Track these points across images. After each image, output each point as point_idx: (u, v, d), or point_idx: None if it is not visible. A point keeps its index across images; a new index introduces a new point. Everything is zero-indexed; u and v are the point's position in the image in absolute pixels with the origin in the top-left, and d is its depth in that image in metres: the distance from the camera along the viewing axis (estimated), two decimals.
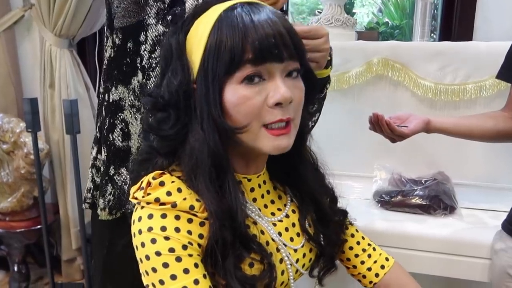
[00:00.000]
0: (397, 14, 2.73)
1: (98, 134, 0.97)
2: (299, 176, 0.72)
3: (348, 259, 0.81)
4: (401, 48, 1.32)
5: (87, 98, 2.04)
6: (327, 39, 0.79)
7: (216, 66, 0.57)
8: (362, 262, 0.80)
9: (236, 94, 0.58)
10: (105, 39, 0.92)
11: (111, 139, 0.92)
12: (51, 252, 1.98)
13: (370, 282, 0.79)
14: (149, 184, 0.60)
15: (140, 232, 0.58)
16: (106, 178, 0.93)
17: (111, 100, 0.92)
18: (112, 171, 0.92)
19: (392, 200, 1.27)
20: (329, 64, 0.86)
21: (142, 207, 0.60)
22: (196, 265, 0.57)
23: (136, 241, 0.59)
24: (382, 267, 0.79)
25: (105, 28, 0.92)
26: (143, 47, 0.87)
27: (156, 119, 0.62)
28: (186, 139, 0.61)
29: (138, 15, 0.85)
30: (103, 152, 0.94)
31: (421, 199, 1.24)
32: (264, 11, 0.59)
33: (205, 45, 0.58)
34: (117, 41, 0.88)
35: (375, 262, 0.80)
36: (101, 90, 0.96)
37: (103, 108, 0.94)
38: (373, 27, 2.21)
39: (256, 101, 0.58)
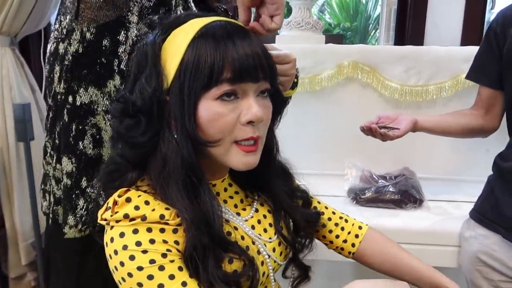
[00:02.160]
0: (342, 15, 2.85)
1: (57, 141, 0.88)
2: (269, 189, 0.75)
3: (324, 236, 0.86)
4: (370, 52, 1.40)
5: (33, 101, 1.88)
6: (294, 64, 0.81)
7: (193, 81, 0.58)
8: (337, 236, 0.85)
9: (211, 110, 0.59)
10: (65, 29, 0.82)
11: (81, 147, 0.84)
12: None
13: (349, 252, 0.85)
14: (115, 203, 0.60)
15: (116, 252, 0.58)
16: (76, 191, 0.85)
17: (78, 103, 0.83)
18: (84, 183, 0.85)
19: (366, 196, 1.34)
20: (294, 85, 0.87)
21: (112, 227, 0.59)
22: (180, 268, 0.58)
23: (113, 263, 0.58)
24: (357, 236, 0.85)
25: (69, 17, 0.81)
26: (122, 48, 0.81)
27: (126, 125, 0.62)
28: (156, 147, 0.62)
29: (120, 9, 0.79)
30: (68, 163, 0.84)
31: (393, 195, 1.32)
32: (243, 32, 0.62)
33: (182, 57, 0.59)
34: (88, 35, 0.80)
35: (349, 233, 0.85)
36: (59, 89, 0.85)
37: (65, 112, 0.84)
38: (328, 29, 2.30)
39: (229, 118, 0.60)
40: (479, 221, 1.11)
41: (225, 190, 0.72)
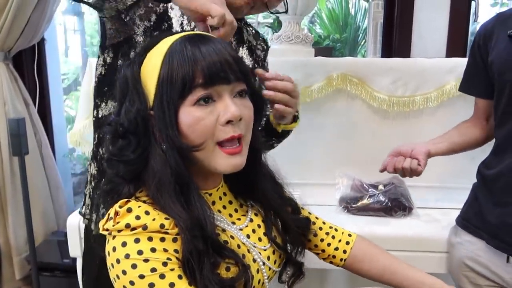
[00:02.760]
0: (332, 27, 2.91)
1: (94, 148, 1.00)
2: (259, 192, 0.78)
3: (316, 246, 0.89)
4: (358, 64, 1.44)
5: (27, 116, 1.89)
6: (297, 94, 0.91)
7: (170, 92, 0.63)
8: (329, 244, 0.88)
9: (190, 116, 0.63)
10: (97, 58, 0.96)
11: (101, 153, 0.95)
12: None
13: (341, 259, 0.88)
14: (116, 213, 0.62)
15: (118, 261, 0.60)
16: (98, 192, 0.95)
17: (100, 116, 0.95)
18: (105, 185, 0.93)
19: (357, 205, 1.37)
20: (296, 118, 0.96)
21: (114, 237, 0.62)
22: (180, 277, 0.60)
23: (115, 272, 0.60)
24: (347, 243, 0.88)
25: (98, 48, 0.96)
26: None
27: (118, 146, 0.66)
28: (148, 162, 0.65)
29: (127, 33, 0.89)
30: (93, 167, 0.98)
31: (383, 203, 1.35)
32: (210, 42, 0.65)
33: (158, 74, 0.64)
34: (108, 59, 0.93)
35: (339, 241, 0.88)
36: (92, 107, 0.99)
37: (93, 124, 0.99)
38: (318, 41, 2.35)
39: (208, 120, 0.64)
40: (464, 228, 1.14)
41: (220, 199, 0.75)
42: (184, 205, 0.63)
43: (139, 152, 0.65)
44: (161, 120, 0.63)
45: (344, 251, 0.88)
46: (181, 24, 0.92)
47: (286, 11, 1.02)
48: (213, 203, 0.73)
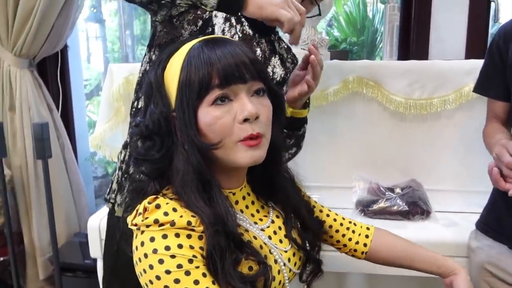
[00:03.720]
0: (349, 30, 2.90)
1: (127, 139, 1.05)
2: (280, 190, 0.80)
3: (338, 241, 0.93)
4: (374, 67, 1.43)
5: (50, 121, 1.96)
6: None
7: (189, 94, 0.66)
8: (350, 239, 0.93)
9: (208, 115, 0.66)
10: (144, 55, 1.04)
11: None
12: (18, 285, 1.87)
13: (362, 252, 0.93)
14: (145, 209, 0.65)
15: (146, 256, 0.62)
16: (125, 175, 1.01)
17: (139, 106, 1.01)
18: (131, 170, 0.99)
19: (374, 208, 1.36)
20: (306, 105, 1.00)
21: (142, 232, 0.64)
22: (204, 275, 0.62)
23: (142, 266, 0.62)
24: (367, 236, 0.93)
25: (146, 46, 1.03)
26: None
27: (145, 146, 0.70)
28: (172, 161, 0.68)
29: (174, 35, 0.96)
30: (124, 152, 1.04)
31: (400, 206, 1.34)
32: (226, 45, 0.68)
33: (179, 77, 0.67)
34: (153, 57, 1.00)
35: (359, 234, 0.93)
36: (133, 99, 1.06)
37: (131, 114, 1.05)
38: (334, 45, 2.35)
39: (226, 119, 0.66)
40: (485, 232, 1.12)
41: (244, 198, 0.77)
42: (206, 202, 0.66)
43: (163, 152, 0.68)
44: (181, 120, 0.66)
45: (365, 244, 0.92)
46: (223, 30, 0.98)
47: (320, 14, 1.04)
48: (236, 202, 0.75)
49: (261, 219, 0.77)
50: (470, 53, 1.69)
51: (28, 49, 1.86)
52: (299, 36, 0.82)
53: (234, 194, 0.75)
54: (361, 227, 0.94)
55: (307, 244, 0.82)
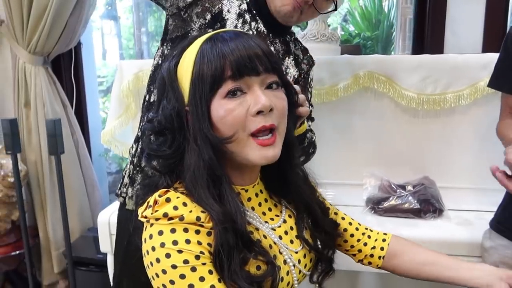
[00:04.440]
0: (364, 24, 2.85)
1: (139, 133, 1.06)
2: (292, 187, 0.78)
3: (352, 246, 0.88)
4: (385, 62, 1.40)
5: (64, 117, 1.98)
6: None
7: (201, 87, 0.65)
8: (365, 244, 0.88)
9: (222, 108, 0.65)
10: (157, 49, 1.05)
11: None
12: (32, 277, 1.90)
13: (379, 257, 0.87)
14: (156, 202, 0.64)
15: (153, 249, 0.62)
16: (137, 169, 1.02)
17: (151, 100, 1.02)
18: (143, 163, 0.99)
19: (384, 206, 1.34)
20: (302, 123, 0.94)
21: (152, 225, 0.63)
22: (210, 272, 0.62)
23: (150, 258, 0.62)
24: (384, 240, 0.88)
25: (160, 41, 1.04)
26: None
27: (157, 142, 0.69)
28: (183, 157, 0.67)
29: (184, 29, 0.96)
30: (135, 146, 1.04)
31: (412, 204, 1.31)
32: (240, 38, 0.67)
33: (192, 71, 0.66)
34: (165, 51, 1.00)
35: (376, 240, 0.88)
36: (145, 93, 1.06)
37: (144, 108, 1.05)
38: (348, 39, 2.31)
39: (239, 112, 0.65)
40: (499, 231, 1.08)
41: (256, 195, 0.75)
42: (216, 199, 0.65)
43: (175, 147, 0.67)
44: (194, 114, 0.65)
45: (382, 248, 0.87)
46: (235, 26, 0.97)
47: (336, 9, 1.02)
48: (249, 199, 0.74)
49: (272, 219, 0.76)
50: (487, 47, 1.64)
51: (43, 47, 1.89)
52: None
53: (246, 191, 0.74)
54: (377, 233, 0.89)
55: (319, 244, 0.80)
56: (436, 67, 1.38)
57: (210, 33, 0.70)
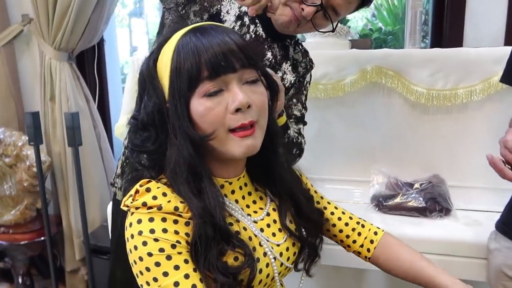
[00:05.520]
0: (390, 19, 2.77)
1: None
2: (276, 175, 0.79)
3: (342, 241, 0.89)
4: (394, 56, 1.36)
5: (87, 111, 2.07)
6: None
7: (180, 85, 0.65)
8: (354, 241, 0.88)
9: (201, 107, 0.65)
10: (153, 43, 1.03)
11: None
12: (55, 264, 2.01)
13: (365, 257, 0.88)
14: (137, 191, 0.66)
15: (132, 236, 0.64)
16: (127, 161, 1.04)
17: None
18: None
19: (389, 203, 1.31)
20: (282, 113, 0.93)
21: (132, 214, 0.66)
22: (186, 261, 0.63)
23: (129, 245, 0.64)
24: (372, 241, 0.87)
25: (156, 35, 1.03)
26: None
27: (141, 138, 0.71)
28: (165, 151, 0.69)
29: (181, 27, 0.93)
30: (128, 137, 1.03)
31: (417, 202, 1.27)
32: (215, 33, 0.67)
33: (170, 68, 0.67)
34: None
35: (365, 238, 0.87)
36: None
37: (136, 103, 1.04)
38: (367, 34, 2.25)
39: (218, 110, 0.65)
40: (504, 233, 1.04)
41: (240, 188, 0.76)
42: (195, 193, 0.66)
43: (158, 144, 0.69)
44: (174, 112, 0.67)
45: (368, 250, 0.87)
46: (232, 28, 0.96)
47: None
48: (233, 192, 0.75)
49: (255, 211, 0.77)
50: (510, 41, 1.56)
51: (67, 43, 1.97)
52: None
53: (230, 183, 0.75)
54: (369, 230, 0.88)
55: (304, 232, 0.80)
56: (447, 61, 1.32)
57: (187, 27, 0.70)
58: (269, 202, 0.80)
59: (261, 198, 0.80)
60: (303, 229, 0.80)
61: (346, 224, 0.88)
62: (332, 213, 0.89)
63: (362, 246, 0.87)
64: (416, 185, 1.33)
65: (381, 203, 1.32)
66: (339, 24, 1.46)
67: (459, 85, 1.32)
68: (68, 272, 2.15)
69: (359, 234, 0.88)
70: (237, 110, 0.65)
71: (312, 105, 1.47)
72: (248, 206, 0.76)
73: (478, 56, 1.30)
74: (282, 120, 0.93)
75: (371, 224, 0.90)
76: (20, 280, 2.00)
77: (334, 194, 1.45)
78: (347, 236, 0.88)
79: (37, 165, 1.75)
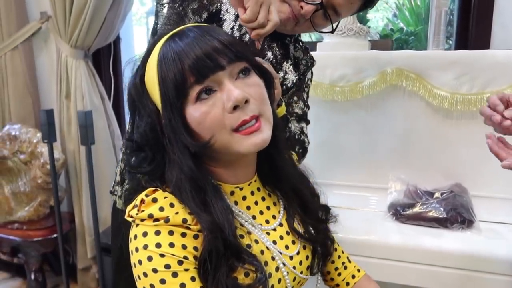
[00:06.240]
0: (412, 19, 2.69)
1: (128, 129, 1.03)
2: (281, 172, 0.74)
3: (329, 272, 0.86)
4: (416, 58, 1.30)
5: (102, 109, 2.06)
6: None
7: (169, 96, 0.62)
8: (339, 274, 0.86)
9: (196, 113, 0.61)
10: (148, 42, 0.99)
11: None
12: (67, 261, 2.01)
13: None
14: (142, 201, 0.62)
15: (137, 250, 0.60)
16: (126, 168, 0.97)
17: None
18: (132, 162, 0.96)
19: (408, 213, 1.24)
20: (281, 102, 0.89)
21: (137, 225, 0.62)
22: (193, 279, 0.60)
23: (133, 259, 0.61)
24: (353, 276, 0.86)
25: (150, 32, 0.98)
26: None
27: (137, 159, 0.67)
28: (164, 170, 0.65)
29: (178, 24, 0.90)
30: (126, 143, 0.98)
31: (437, 212, 1.20)
32: (194, 34, 0.63)
33: (158, 82, 0.62)
34: None
35: (349, 273, 0.86)
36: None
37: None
38: (387, 34, 2.18)
39: (215, 113, 0.61)
40: None
41: (252, 193, 0.72)
42: (202, 208, 0.62)
43: (155, 164, 0.66)
44: (169, 126, 0.63)
45: (347, 284, 0.86)
46: (232, 28, 0.92)
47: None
48: (244, 198, 0.71)
49: (267, 221, 0.72)
50: None
51: (83, 41, 1.97)
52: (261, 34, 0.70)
53: (241, 189, 0.70)
54: (354, 266, 0.87)
55: (312, 231, 0.76)
56: (473, 64, 1.25)
57: (166, 36, 0.66)
58: (282, 209, 0.76)
59: (274, 204, 0.75)
60: (311, 229, 0.76)
61: (339, 257, 0.86)
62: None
63: (344, 279, 0.86)
64: (437, 194, 1.26)
65: (399, 212, 1.25)
66: (358, 24, 1.41)
67: (485, 89, 1.25)
68: (80, 269, 2.15)
69: (346, 267, 0.86)
70: (235, 107, 0.61)
71: (329, 108, 1.43)
72: (261, 213, 0.72)
73: (507, 59, 1.22)
74: (281, 110, 0.88)
75: (354, 262, 0.89)
76: (32, 276, 2.01)
77: (349, 201, 1.40)
78: (336, 269, 0.86)
79: (50, 162, 1.75)
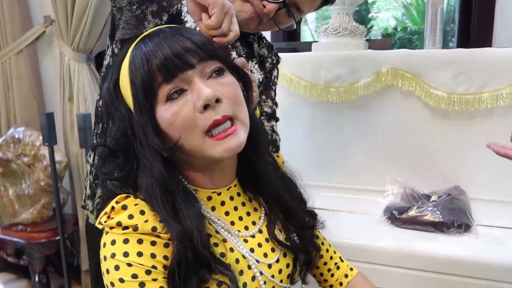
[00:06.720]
0: (419, 17, 2.65)
1: (94, 141, 1.00)
2: (260, 175, 0.72)
3: (322, 274, 0.84)
4: (412, 57, 1.27)
5: None
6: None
7: (139, 98, 0.60)
8: (332, 275, 0.84)
9: (166, 113, 0.60)
10: (106, 48, 0.97)
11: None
12: (72, 262, 2.03)
13: None
14: (112, 208, 0.61)
15: (105, 258, 0.59)
16: (96, 181, 0.95)
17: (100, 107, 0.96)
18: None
19: (403, 216, 1.21)
20: (255, 107, 0.87)
21: (107, 233, 0.60)
22: None
23: (102, 267, 0.60)
24: (346, 276, 0.84)
25: (107, 37, 0.96)
26: None
27: (110, 165, 0.66)
28: (136, 177, 0.64)
29: (137, 28, 0.88)
30: (93, 155, 0.97)
31: (434, 216, 1.17)
32: (165, 35, 0.62)
33: (130, 84, 0.62)
34: (116, 50, 0.92)
35: (342, 272, 0.85)
36: (97, 97, 1.00)
37: (97, 114, 0.99)
38: (389, 33, 2.14)
39: (186, 112, 0.60)
40: None
41: (232, 199, 0.70)
42: (171, 215, 0.60)
43: (127, 169, 0.64)
44: (140, 128, 0.62)
45: (341, 284, 0.84)
46: (194, 28, 0.89)
47: (294, 28, 0.97)
48: (223, 203, 0.69)
49: (247, 227, 0.70)
50: None
51: (85, 44, 1.99)
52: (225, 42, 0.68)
53: (219, 194, 0.68)
54: (347, 265, 0.86)
55: (295, 238, 0.74)
56: (470, 63, 1.21)
57: (138, 38, 0.65)
58: (263, 215, 0.73)
59: (255, 210, 0.73)
60: (295, 236, 0.74)
61: (331, 258, 0.85)
62: (322, 243, 0.84)
63: (337, 280, 0.84)
64: (434, 197, 1.22)
65: (394, 216, 1.22)
66: (354, 23, 1.39)
67: (483, 89, 1.21)
68: (84, 271, 2.17)
69: (338, 267, 0.85)
70: (206, 107, 0.59)
71: (323, 109, 1.41)
72: (240, 219, 0.70)
73: (506, 57, 1.18)
74: (256, 114, 0.87)
75: (347, 261, 0.87)
76: (36, 278, 2.03)
77: (345, 204, 1.37)
78: (329, 270, 0.84)
79: (51, 165, 1.77)
